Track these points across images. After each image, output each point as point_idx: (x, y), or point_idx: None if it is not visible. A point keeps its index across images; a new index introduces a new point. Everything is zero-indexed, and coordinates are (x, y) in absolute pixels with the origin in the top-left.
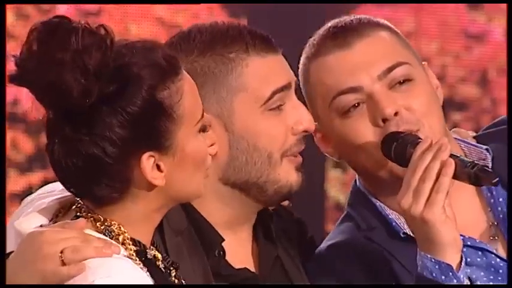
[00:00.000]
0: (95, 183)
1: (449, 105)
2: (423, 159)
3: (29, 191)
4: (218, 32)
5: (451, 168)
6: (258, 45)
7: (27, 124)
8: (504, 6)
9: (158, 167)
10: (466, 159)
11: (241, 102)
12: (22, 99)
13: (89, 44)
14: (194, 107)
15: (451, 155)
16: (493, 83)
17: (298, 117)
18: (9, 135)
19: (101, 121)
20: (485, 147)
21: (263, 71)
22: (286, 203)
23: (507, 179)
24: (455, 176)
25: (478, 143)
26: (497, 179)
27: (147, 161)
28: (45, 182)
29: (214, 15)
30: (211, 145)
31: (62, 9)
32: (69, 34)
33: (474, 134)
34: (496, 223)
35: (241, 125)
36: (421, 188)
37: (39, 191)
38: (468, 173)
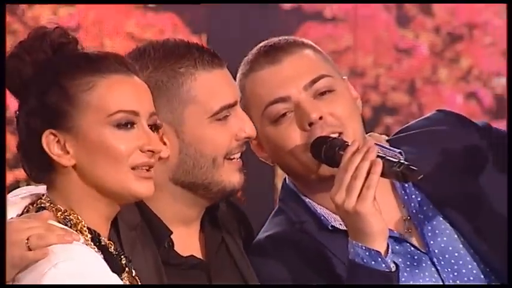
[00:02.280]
0: (23, 161)
1: (382, 110)
2: (354, 159)
3: (16, 185)
4: (169, 49)
5: (379, 167)
6: (205, 60)
7: (14, 126)
8: (430, 23)
9: (65, 148)
10: (392, 159)
11: (191, 113)
12: (9, 104)
13: (31, 40)
14: (107, 100)
15: (378, 156)
16: (419, 91)
17: (242, 125)
18: None
19: (26, 99)
20: (398, 150)
21: (210, 85)
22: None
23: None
24: (383, 174)
25: (391, 146)
26: (422, 175)
27: (47, 137)
28: None
29: (178, 31)
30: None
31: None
32: (29, 32)
33: (387, 138)
34: (409, 218)
35: (190, 133)
36: (353, 185)
37: (9, 195)
38: (395, 171)
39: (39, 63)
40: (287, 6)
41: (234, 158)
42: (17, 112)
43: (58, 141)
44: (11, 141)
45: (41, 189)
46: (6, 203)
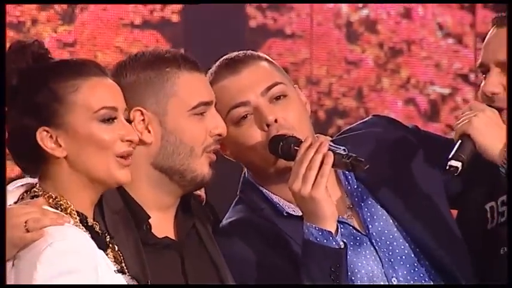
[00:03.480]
0: (15, 156)
1: (334, 114)
2: (308, 153)
3: (21, 176)
4: (158, 54)
5: (331, 158)
6: (188, 65)
7: None
8: (374, 40)
9: (57, 142)
10: (341, 152)
11: (173, 105)
12: None
13: (15, 51)
14: (91, 99)
15: (329, 149)
16: (366, 97)
17: (216, 123)
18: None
19: (17, 105)
20: (342, 147)
21: (191, 84)
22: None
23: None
24: (334, 165)
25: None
26: (368, 165)
27: (41, 134)
28: None
29: (160, 46)
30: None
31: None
32: (10, 45)
33: (331, 138)
34: (352, 205)
35: (172, 122)
36: (308, 175)
37: (9, 186)
38: (345, 162)
39: (22, 70)
40: (253, 24)
41: (210, 152)
42: (5, 114)
43: (51, 136)
44: None
45: (33, 180)
46: (6, 198)
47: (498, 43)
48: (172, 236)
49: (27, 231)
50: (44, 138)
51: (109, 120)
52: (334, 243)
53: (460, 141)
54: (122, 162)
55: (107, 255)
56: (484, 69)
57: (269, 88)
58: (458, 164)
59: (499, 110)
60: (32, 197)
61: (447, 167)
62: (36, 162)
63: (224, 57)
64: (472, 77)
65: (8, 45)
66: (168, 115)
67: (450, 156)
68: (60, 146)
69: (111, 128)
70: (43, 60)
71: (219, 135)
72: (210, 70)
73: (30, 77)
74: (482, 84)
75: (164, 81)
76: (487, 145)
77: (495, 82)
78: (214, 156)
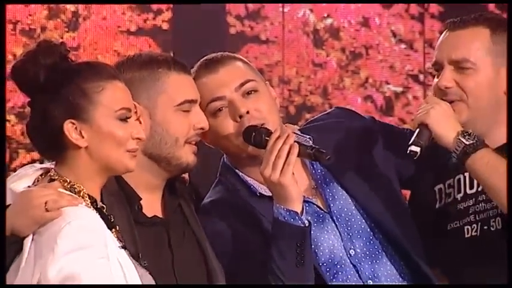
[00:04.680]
0: (36, 142)
1: (303, 109)
2: (277, 143)
3: (32, 163)
4: (152, 56)
5: (296, 149)
6: (177, 67)
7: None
8: (337, 45)
9: (81, 133)
10: (306, 144)
11: (162, 100)
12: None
13: (44, 49)
14: (113, 100)
15: (295, 141)
16: (330, 95)
17: (199, 119)
18: (20, 127)
19: (45, 98)
20: (308, 136)
21: (179, 84)
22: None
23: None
24: (299, 155)
25: (302, 133)
26: (329, 156)
27: (68, 125)
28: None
29: (152, 50)
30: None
31: None
32: (39, 43)
33: (298, 128)
34: (316, 186)
35: (160, 115)
36: (277, 163)
37: (22, 169)
38: (309, 153)
39: (50, 66)
40: (233, 31)
41: (192, 143)
42: (30, 105)
43: (76, 128)
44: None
45: (46, 165)
46: (20, 174)
47: (451, 44)
48: (160, 214)
49: (47, 210)
50: (70, 129)
51: (125, 119)
52: (299, 222)
53: (418, 129)
54: (131, 154)
55: (112, 233)
56: (438, 67)
57: (242, 84)
58: (418, 149)
59: (451, 102)
60: (49, 181)
61: (408, 151)
62: (57, 149)
63: (204, 57)
64: (421, 77)
65: (19, 50)
66: (157, 109)
67: (410, 142)
68: (83, 137)
69: (125, 126)
70: (67, 60)
71: (202, 128)
72: (192, 69)
73: (59, 73)
74: (436, 80)
75: (156, 80)
76: (442, 133)
77: (448, 78)
78: (196, 147)
